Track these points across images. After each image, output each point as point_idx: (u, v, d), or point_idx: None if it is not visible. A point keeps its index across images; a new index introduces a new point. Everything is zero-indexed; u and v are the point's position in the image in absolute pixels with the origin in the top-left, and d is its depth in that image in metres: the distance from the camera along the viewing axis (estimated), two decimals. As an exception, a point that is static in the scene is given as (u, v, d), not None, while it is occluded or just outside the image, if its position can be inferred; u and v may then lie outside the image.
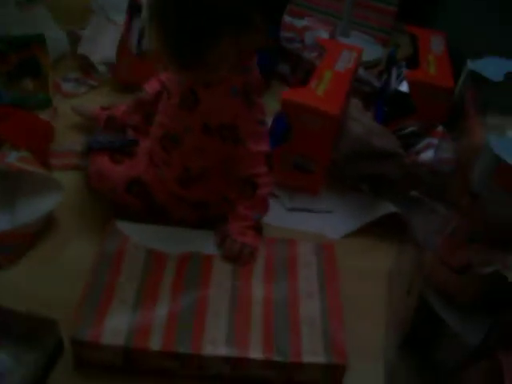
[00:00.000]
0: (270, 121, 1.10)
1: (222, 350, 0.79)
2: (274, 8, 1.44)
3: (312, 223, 1.10)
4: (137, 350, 0.79)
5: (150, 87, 1.10)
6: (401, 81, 1.32)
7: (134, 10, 1.37)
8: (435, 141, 1.11)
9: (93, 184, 1.05)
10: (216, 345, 0.80)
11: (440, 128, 1.13)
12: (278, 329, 0.83)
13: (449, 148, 0.85)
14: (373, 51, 1.72)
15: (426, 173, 1.08)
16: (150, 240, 0.95)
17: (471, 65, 0.80)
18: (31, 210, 0.99)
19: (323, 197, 1.17)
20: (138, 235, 0.95)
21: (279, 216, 1.10)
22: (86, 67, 1.46)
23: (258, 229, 0.96)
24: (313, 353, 0.80)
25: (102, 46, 1.46)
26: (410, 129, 1.17)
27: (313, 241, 1.01)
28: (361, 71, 1.47)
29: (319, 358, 0.80)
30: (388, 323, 0.90)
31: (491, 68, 0.79)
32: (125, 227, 0.96)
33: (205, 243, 0.95)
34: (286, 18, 1.59)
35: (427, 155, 1.10)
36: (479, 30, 1.46)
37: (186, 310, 0.84)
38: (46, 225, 1.01)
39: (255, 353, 0.79)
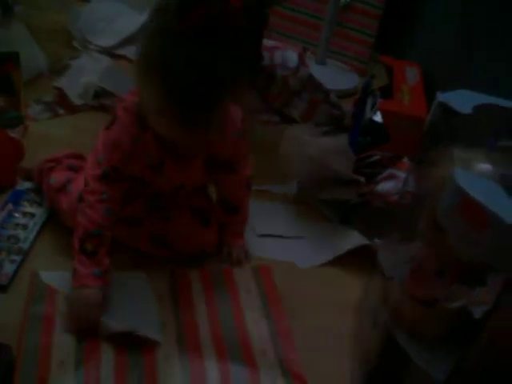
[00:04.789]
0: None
1: None
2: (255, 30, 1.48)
3: (282, 251, 1.09)
4: None
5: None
6: (375, 111, 1.33)
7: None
8: (397, 172, 1.12)
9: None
10: None
11: (405, 159, 1.14)
12: (234, 365, 0.82)
13: (413, 181, 0.85)
14: (349, 80, 1.73)
15: (381, 203, 1.08)
16: None
17: (441, 96, 0.80)
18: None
19: (294, 223, 1.17)
20: (64, 284, 0.90)
21: (249, 243, 1.09)
22: (61, 96, 1.44)
23: (243, 232, 1.09)
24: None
25: (81, 84, 1.44)
26: (374, 158, 1.17)
27: (283, 269, 1.02)
28: (332, 96, 1.49)
29: None
30: (354, 356, 0.89)
31: (460, 100, 0.79)
32: (50, 278, 0.92)
33: (138, 287, 0.94)
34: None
35: (386, 185, 1.11)
36: (452, 63, 1.49)
37: (135, 368, 0.81)
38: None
39: None
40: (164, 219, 1.00)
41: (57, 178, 1.04)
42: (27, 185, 1.11)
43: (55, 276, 0.93)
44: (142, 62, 0.78)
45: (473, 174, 0.68)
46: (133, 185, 0.95)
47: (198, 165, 0.95)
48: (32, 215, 1.05)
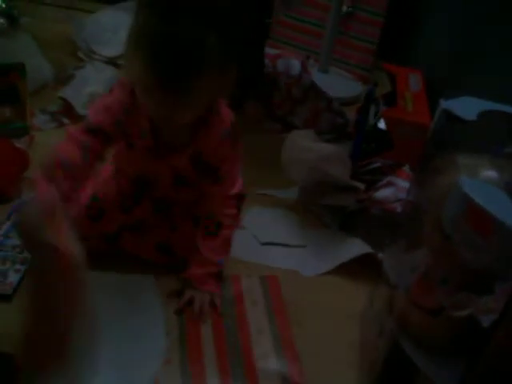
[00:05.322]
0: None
1: None
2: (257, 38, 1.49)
3: (286, 259, 1.09)
4: None
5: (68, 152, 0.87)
6: (378, 118, 1.33)
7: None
8: (396, 180, 1.12)
9: None
10: None
11: (405, 168, 1.14)
12: (235, 375, 0.82)
13: (415, 189, 0.85)
14: (352, 88, 1.73)
15: (378, 210, 1.08)
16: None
17: (444, 103, 0.80)
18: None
19: (297, 231, 1.16)
20: None
21: (253, 251, 1.08)
22: (66, 106, 1.44)
23: (219, 275, 0.95)
24: None
25: (86, 94, 1.44)
26: (375, 165, 1.17)
27: (287, 277, 1.02)
28: (335, 104, 1.50)
29: None
30: (360, 365, 0.88)
31: (465, 107, 0.79)
32: None
33: (143, 290, 0.94)
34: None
35: (384, 193, 1.10)
36: (454, 69, 1.49)
37: None
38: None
39: None
40: (170, 229, 1.00)
41: None
42: (32, 195, 1.11)
43: None
44: (130, 34, 0.80)
45: (478, 180, 0.68)
46: (136, 184, 0.97)
47: (185, 158, 0.92)
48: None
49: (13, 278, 0.93)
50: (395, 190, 1.12)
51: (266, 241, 1.12)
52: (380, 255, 1.02)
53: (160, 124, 0.89)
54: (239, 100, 1.53)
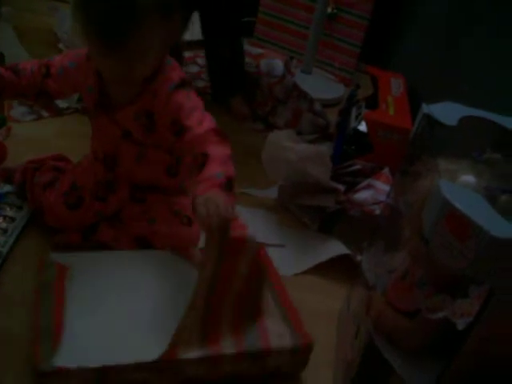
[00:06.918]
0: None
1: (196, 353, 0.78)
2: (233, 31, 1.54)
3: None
4: (109, 367, 0.74)
5: None
6: (360, 120, 1.33)
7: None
8: (376, 182, 1.13)
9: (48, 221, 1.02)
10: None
11: (385, 170, 1.15)
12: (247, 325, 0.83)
13: (394, 192, 0.85)
14: (334, 90, 1.74)
15: (356, 212, 1.09)
16: (90, 268, 0.91)
17: (426, 108, 0.81)
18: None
19: (275, 230, 1.17)
20: (75, 264, 0.90)
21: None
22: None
23: (225, 186, 0.81)
24: (280, 337, 0.83)
25: None
26: (355, 167, 1.18)
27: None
28: (317, 105, 1.51)
29: (286, 341, 0.82)
30: (336, 365, 0.88)
31: (446, 112, 0.80)
32: (60, 258, 0.91)
33: (146, 265, 0.93)
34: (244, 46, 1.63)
35: (362, 195, 1.11)
36: (435, 75, 1.50)
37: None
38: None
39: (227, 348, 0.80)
40: (148, 222, 0.98)
41: (43, 176, 1.04)
42: (7, 188, 1.09)
43: (66, 257, 0.92)
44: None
45: (458, 185, 0.68)
46: (106, 165, 0.98)
47: (130, 114, 0.92)
48: (12, 219, 1.02)
49: (-12, 267, 0.91)
50: (374, 192, 1.13)
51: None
52: (358, 257, 1.03)
53: (106, 80, 0.91)
54: (225, 96, 1.53)
